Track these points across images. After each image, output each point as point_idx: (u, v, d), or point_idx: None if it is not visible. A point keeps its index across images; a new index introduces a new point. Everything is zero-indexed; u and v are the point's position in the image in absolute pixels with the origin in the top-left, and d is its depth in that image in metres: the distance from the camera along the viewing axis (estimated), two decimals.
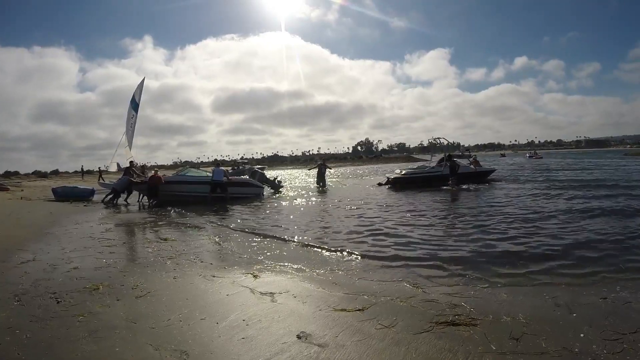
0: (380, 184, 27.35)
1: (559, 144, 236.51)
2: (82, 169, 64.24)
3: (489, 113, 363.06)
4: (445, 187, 22.65)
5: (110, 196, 20.88)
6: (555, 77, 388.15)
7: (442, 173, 24.67)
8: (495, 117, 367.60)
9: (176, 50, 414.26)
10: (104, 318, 4.65)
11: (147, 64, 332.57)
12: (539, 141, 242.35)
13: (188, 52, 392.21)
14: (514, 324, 4.31)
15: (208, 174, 21.75)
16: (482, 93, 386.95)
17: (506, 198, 17.26)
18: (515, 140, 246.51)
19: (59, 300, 5.29)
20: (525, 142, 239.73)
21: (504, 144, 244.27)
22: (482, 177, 26.51)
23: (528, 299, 5.27)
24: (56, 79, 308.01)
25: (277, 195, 23.78)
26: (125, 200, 21.19)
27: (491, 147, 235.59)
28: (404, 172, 25.79)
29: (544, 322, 4.36)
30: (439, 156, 28.43)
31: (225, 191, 20.43)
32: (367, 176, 42.60)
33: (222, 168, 21.92)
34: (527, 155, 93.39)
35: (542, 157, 79.90)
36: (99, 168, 56.61)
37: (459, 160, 27.54)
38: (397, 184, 25.24)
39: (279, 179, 26.33)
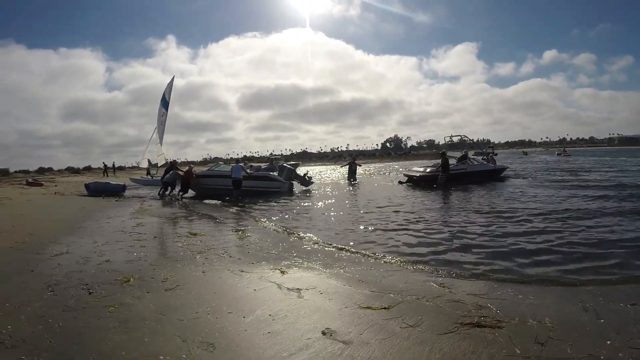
0: (400, 183, 26.99)
1: (591, 141, 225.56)
2: (110, 165, 65.09)
3: (518, 109, 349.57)
4: (435, 185, 22.53)
5: (163, 190, 22.36)
6: (586, 71, 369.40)
7: (466, 171, 24.56)
8: (525, 113, 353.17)
9: (199, 48, 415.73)
10: (134, 309, 4.75)
11: (171, 62, 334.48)
12: (570, 138, 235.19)
13: (211, 50, 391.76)
14: (540, 328, 4.26)
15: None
16: (511, 88, 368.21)
17: (520, 195, 17.52)
18: (547, 137, 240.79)
19: (90, 291, 5.41)
20: (557, 139, 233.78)
21: (534, 141, 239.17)
22: (492, 174, 26.12)
23: (555, 302, 5.19)
24: (83, 79, 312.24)
25: (307, 191, 23.89)
26: (165, 193, 22.27)
27: (521, 144, 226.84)
28: (428, 170, 25.27)
29: (570, 327, 4.30)
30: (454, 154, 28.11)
31: (239, 188, 20.78)
32: (393, 172, 42.27)
33: (241, 164, 22.35)
34: (557, 153, 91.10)
35: (570, 155, 78.04)
36: (103, 163, 57.75)
37: (475, 157, 27.32)
38: (418, 182, 24.89)
39: (309, 174, 26.19)
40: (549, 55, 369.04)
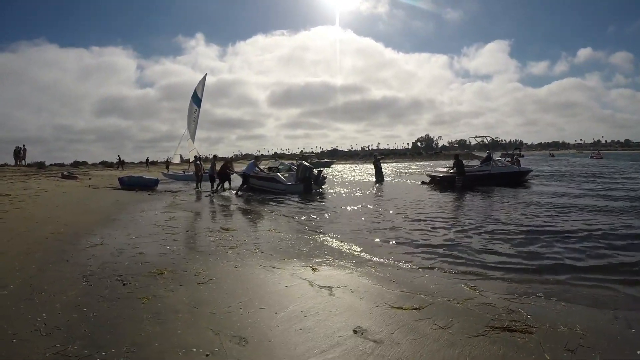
0: (423, 183, 26.59)
1: (627, 144, 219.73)
2: (147, 160, 66.57)
3: (552, 109, 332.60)
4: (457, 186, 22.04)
5: (219, 184, 23.21)
6: (623, 70, 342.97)
7: (490, 172, 23.95)
8: (559, 114, 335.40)
9: (227, 46, 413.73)
10: (167, 302, 4.83)
11: (201, 60, 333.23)
12: (605, 141, 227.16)
13: (239, 48, 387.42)
14: (570, 335, 4.17)
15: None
16: (545, 88, 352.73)
17: (546, 197, 17.10)
18: (581, 139, 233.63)
19: (124, 282, 5.52)
20: (592, 141, 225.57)
21: (568, 143, 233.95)
22: (516, 177, 25.22)
23: (586, 309, 5.08)
24: (116, 76, 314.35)
25: (332, 190, 23.74)
26: (219, 187, 23.13)
27: (555, 145, 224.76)
28: (451, 171, 24.11)
29: (601, 335, 4.21)
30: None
31: (247, 182, 22.23)
32: (422, 173, 41.68)
33: (253, 161, 23.62)
34: (590, 155, 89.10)
35: (602, 157, 76.38)
36: (118, 156, 58.60)
37: (499, 159, 26.75)
38: (441, 183, 24.37)
39: (323, 174, 25.58)
40: (584, 53, 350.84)
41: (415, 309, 4.85)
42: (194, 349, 3.65)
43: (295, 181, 22.63)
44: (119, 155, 59.00)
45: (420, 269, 6.93)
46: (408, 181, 30.15)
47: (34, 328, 3.97)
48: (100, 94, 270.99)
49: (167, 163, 50.85)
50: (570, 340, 4.02)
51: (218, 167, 23.86)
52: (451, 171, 23.68)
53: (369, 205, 16.21)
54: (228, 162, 24.11)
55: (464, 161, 25.09)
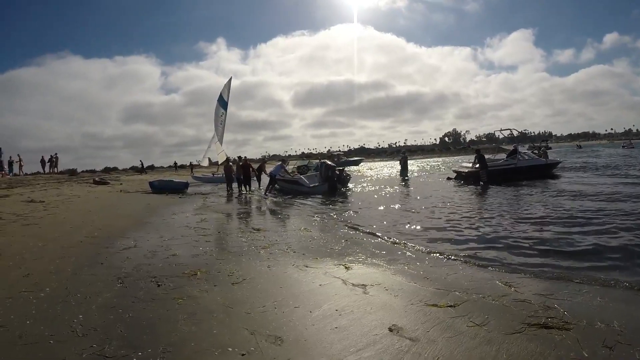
0: (449, 179, 26.35)
1: None
2: (175, 163, 67.53)
3: (580, 98, 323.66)
4: (482, 183, 21.77)
5: (244, 186, 23.87)
6: None
7: (516, 166, 23.43)
8: (588, 103, 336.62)
9: (249, 49, 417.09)
10: (202, 302, 4.84)
11: (224, 64, 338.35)
12: (637, 130, 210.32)
13: (261, 50, 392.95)
14: (608, 332, 4.06)
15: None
16: (572, 76, 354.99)
17: (578, 190, 16.80)
18: (612, 129, 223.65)
19: (159, 283, 5.55)
20: (622, 130, 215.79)
21: (599, 133, 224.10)
22: (544, 170, 24.46)
23: (624, 305, 4.93)
24: (140, 84, 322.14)
25: (359, 188, 23.63)
26: (247, 188, 23.88)
27: (585, 136, 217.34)
28: (477, 165, 23.77)
29: (639, 332, 4.10)
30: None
31: (275, 183, 23.04)
32: (449, 168, 41.23)
33: (280, 163, 24.43)
34: (622, 145, 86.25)
35: (633, 147, 74.19)
36: (140, 161, 59.35)
37: (526, 152, 26.21)
38: (467, 179, 24.09)
39: (347, 172, 25.34)
40: (610, 38, 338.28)
41: (451, 306, 4.80)
42: (230, 349, 3.66)
43: (319, 181, 22.58)
44: (141, 161, 59.95)
45: (453, 266, 6.85)
46: (434, 177, 30.00)
47: (71, 329, 4.01)
48: (125, 102, 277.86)
49: (191, 166, 51.12)
50: (609, 337, 3.92)
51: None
52: (476, 166, 23.49)
53: (395, 204, 16.08)
54: (245, 162, 24.57)
55: (490, 155, 24.86)
